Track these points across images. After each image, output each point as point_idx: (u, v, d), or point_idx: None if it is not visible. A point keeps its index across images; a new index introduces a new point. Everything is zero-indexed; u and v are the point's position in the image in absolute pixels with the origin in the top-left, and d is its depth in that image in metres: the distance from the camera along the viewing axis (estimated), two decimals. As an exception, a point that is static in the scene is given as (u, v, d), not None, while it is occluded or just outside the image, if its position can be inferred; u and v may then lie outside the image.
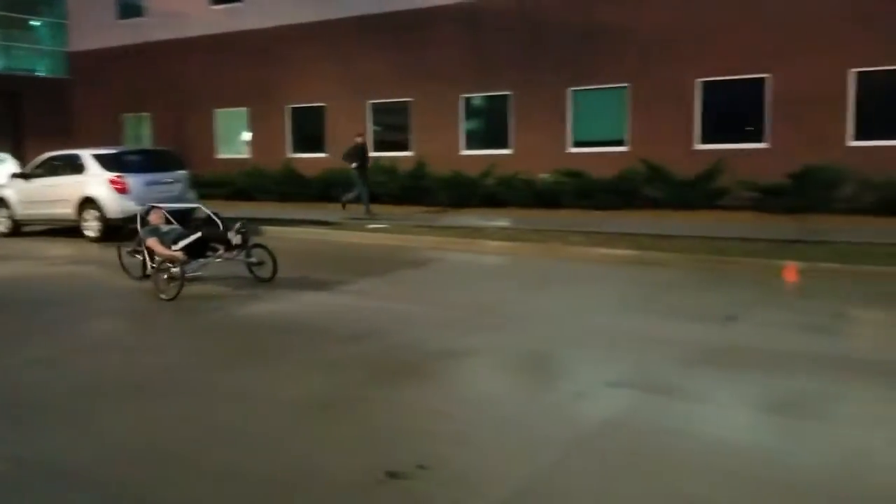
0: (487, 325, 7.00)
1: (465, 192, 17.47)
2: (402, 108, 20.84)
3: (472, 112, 20.12)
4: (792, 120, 15.82)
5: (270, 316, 7.52)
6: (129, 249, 9.37)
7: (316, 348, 6.29)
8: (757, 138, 16.40)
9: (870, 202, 13.85)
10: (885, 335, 6.73)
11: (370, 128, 21.13)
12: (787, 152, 15.26)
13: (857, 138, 15.40)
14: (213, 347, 6.49)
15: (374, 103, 21.28)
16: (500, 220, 14.74)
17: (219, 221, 9.22)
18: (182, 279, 8.28)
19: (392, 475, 3.79)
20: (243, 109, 23.43)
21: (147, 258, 8.93)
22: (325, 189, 19.22)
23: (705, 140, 16.88)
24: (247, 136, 23.45)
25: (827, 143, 15.25)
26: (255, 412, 4.81)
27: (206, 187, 18.39)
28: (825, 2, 15.56)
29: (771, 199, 14.50)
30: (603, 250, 10.95)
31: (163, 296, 8.30)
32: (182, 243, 8.58)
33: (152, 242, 8.78)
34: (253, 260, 9.14)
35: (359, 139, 16.81)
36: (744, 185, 14.95)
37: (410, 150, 20.36)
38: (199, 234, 8.70)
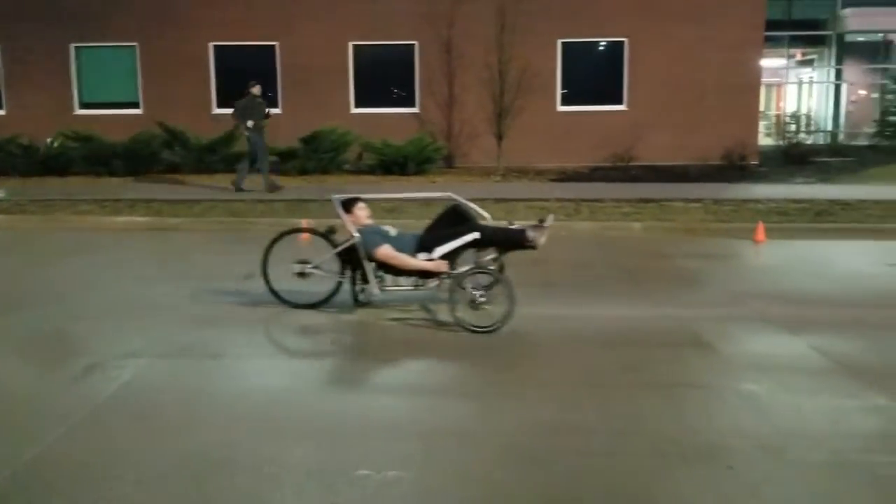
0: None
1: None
2: None
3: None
4: (302, 87, 16.93)
5: None
6: (309, 265, 6.30)
7: None
8: (272, 103, 17.17)
9: (369, 164, 15.69)
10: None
11: None
12: (299, 117, 16.29)
13: (358, 105, 17.19)
14: None
15: None
16: (-6, 190, 12.98)
17: (483, 212, 6.12)
18: (512, 299, 5.48)
19: None
20: None
21: (372, 277, 5.95)
22: None
23: (222, 104, 17.08)
24: None
25: (334, 110, 16.71)
26: None
27: None
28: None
29: (287, 162, 15.39)
30: (117, 219, 10.43)
31: (473, 325, 5.53)
32: (444, 248, 5.74)
33: (387, 253, 5.83)
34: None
35: (254, 89, 13.16)
36: (261, 148, 15.56)
37: None
38: (476, 235, 5.78)
